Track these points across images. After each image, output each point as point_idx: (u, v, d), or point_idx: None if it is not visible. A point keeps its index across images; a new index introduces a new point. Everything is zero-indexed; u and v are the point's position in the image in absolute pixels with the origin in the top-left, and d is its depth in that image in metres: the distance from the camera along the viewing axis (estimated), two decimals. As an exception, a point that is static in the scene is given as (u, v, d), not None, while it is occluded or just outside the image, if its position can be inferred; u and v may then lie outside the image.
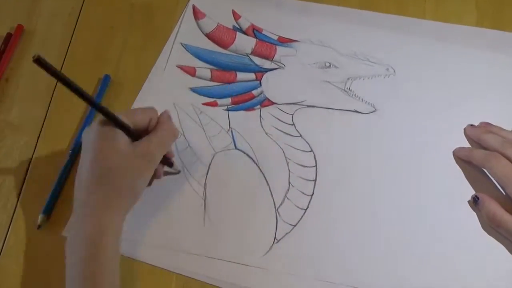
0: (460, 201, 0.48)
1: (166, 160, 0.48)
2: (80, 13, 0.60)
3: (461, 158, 0.50)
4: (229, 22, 0.58)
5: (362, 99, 0.53)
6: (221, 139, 0.52)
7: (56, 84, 0.55)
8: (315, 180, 0.49)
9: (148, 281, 0.46)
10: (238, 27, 0.57)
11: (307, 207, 0.48)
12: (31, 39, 0.58)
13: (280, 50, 0.56)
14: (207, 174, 0.50)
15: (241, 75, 0.55)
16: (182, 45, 0.57)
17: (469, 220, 0.48)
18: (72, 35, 0.59)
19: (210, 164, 0.50)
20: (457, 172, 0.50)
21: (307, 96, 0.53)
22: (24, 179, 0.50)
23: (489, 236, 0.47)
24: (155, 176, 0.47)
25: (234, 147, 0.51)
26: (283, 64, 0.55)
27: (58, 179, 0.49)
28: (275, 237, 0.47)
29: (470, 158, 0.50)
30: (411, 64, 0.55)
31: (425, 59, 0.55)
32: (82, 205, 0.41)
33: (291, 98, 0.53)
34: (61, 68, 0.56)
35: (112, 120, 0.42)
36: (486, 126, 0.51)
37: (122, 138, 0.42)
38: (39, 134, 0.53)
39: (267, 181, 0.49)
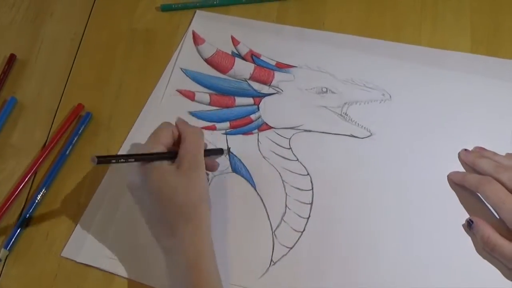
0: (455, 225, 0.59)
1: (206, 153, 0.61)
2: (82, 38, 0.76)
3: (455, 182, 0.62)
4: (228, 48, 0.73)
5: (358, 124, 0.66)
6: (219, 162, 0.65)
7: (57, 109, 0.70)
8: (311, 203, 0.62)
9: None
10: (237, 52, 0.72)
11: (304, 229, 0.60)
12: (34, 64, 0.74)
13: (278, 76, 0.70)
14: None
15: (239, 100, 0.69)
16: (182, 70, 0.72)
17: (465, 243, 0.59)
18: (74, 60, 0.74)
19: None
20: (452, 196, 0.62)
21: (304, 120, 0.67)
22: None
23: (483, 260, 0.57)
24: (212, 169, 0.63)
25: (231, 171, 0.65)
26: (280, 89, 0.69)
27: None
28: (271, 259, 0.59)
29: (463, 182, 0.62)
30: (407, 90, 0.69)
31: (421, 84, 0.69)
32: (167, 237, 0.54)
33: (288, 122, 0.67)
34: (62, 93, 0.71)
35: (148, 159, 0.55)
36: (480, 151, 0.64)
37: (163, 166, 0.55)
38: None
39: (264, 204, 0.62)
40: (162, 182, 0.54)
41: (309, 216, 0.62)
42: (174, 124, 0.60)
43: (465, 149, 0.65)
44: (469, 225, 0.60)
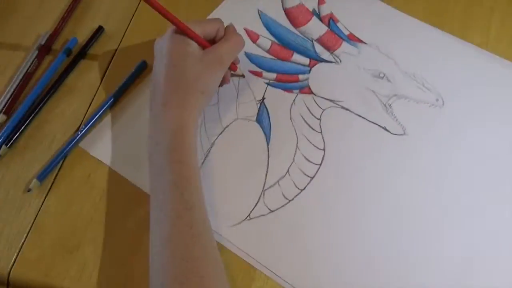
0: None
1: (232, 66, 0.66)
2: None
3: None
4: (312, 4, 0.74)
5: (397, 119, 0.64)
6: (248, 108, 0.67)
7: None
8: (312, 177, 0.62)
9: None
10: (317, 11, 0.73)
11: (292, 199, 0.61)
12: (98, 7, 0.78)
13: (344, 46, 0.70)
14: (219, 134, 0.65)
15: (296, 57, 0.70)
16: (258, 11, 0.74)
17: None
18: (136, 8, 0.77)
19: (226, 127, 0.66)
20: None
21: (346, 97, 0.66)
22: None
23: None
24: (224, 80, 0.66)
25: (255, 120, 0.67)
26: (340, 60, 0.69)
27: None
28: (249, 214, 0.60)
29: None
30: (464, 102, 0.65)
31: (481, 102, 0.65)
32: (161, 104, 0.58)
33: (330, 94, 0.67)
34: (122, 38, 0.74)
35: (183, 30, 0.59)
36: None
37: (193, 44, 0.60)
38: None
39: (268, 162, 0.63)
40: (181, 56, 0.59)
41: (304, 188, 0.61)
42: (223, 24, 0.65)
43: None
44: None
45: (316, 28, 0.72)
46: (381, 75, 0.68)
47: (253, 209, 0.61)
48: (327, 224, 0.60)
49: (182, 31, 0.59)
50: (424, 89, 0.66)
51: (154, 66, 0.62)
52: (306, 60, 0.70)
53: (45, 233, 0.61)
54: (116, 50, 0.74)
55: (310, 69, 0.69)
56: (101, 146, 0.66)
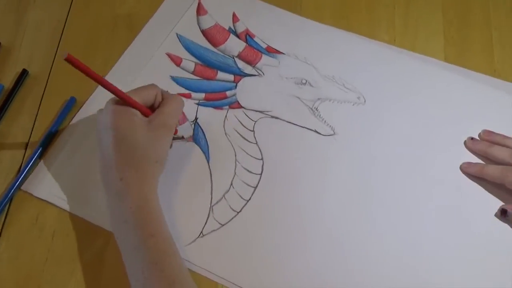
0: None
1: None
2: (65, 24, 0.81)
3: (472, 174, 0.66)
4: (227, 23, 0.78)
5: (325, 121, 0.70)
6: (184, 130, 0.70)
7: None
8: (255, 187, 0.66)
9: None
10: (233, 29, 0.77)
11: (240, 210, 0.65)
12: (18, 52, 0.79)
13: (265, 59, 0.75)
14: None
15: (221, 75, 0.74)
16: (177, 35, 0.78)
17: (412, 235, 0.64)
18: (58, 46, 0.80)
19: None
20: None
21: (274, 107, 0.71)
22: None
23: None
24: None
25: (192, 140, 0.70)
26: (262, 72, 0.74)
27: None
28: (201, 231, 0.64)
29: (482, 175, 0.66)
30: (383, 98, 0.72)
31: (399, 94, 0.72)
32: (118, 180, 0.58)
33: (258, 106, 0.72)
34: (48, 77, 0.77)
35: (125, 99, 0.60)
36: (488, 136, 0.67)
37: (137, 113, 0.61)
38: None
39: (211, 178, 0.67)
40: (128, 129, 0.60)
41: (250, 198, 0.66)
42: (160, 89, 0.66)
43: (472, 138, 0.68)
44: (502, 214, 0.64)
45: (235, 45, 0.76)
46: (303, 81, 0.73)
47: (204, 226, 0.65)
48: (277, 229, 0.65)
49: (123, 100, 0.60)
50: (345, 89, 0.72)
51: (100, 140, 0.61)
52: (230, 77, 0.74)
53: (0, 281, 0.63)
54: (44, 90, 0.76)
55: (236, 85, 0.73)
56: (44, 186, 0.68)
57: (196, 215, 0.66)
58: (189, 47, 0.77)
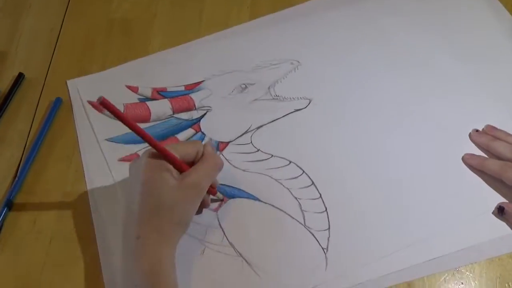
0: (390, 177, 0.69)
1: (211, 190, 0.62)
2: (60, 30, 0.83)
3: (473, 166, 0.69)
4: (133, 98, 0.73)
5: (293, 98, 0.73)
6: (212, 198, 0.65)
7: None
8: (313, 184, 0.67)
9: None
10: (143, 97, 0.72)
11: (325, 208, 0.65)
12: (14, 56, 0.81)
13: (196, 96, 0.73)
14: (224, 234, 0.63)
15: (181, 136, 0.70)
16: (108, 141, 0.70)
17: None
18: (53, 52, 0.81)
19: (219, 225, 0.64)
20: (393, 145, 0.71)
21: (249, 121, 0.71)
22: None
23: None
24: (204, 205, 0.62)
25: (228, 198, 0.65)
26: (208, 106, 0.72)
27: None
28: (322, 248, 0.62)
29: (483, 168, 0.68)
30: (306, 49, 0.78)
31: (311, 39, 0.79)
32: (136, 237, 0.55)
33: (238, 130, 0.70)
34: (44, 81, 0.77)
35: (161, 152, 0.56)
36: (492, 131, 0.71)
37: (171, 169, 0.57)
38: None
39: (278, 208, 0.65)
40: (157, 187, 0.56)
41: (320, 194, 0.66)
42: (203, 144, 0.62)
43: (476, 130, 0.72)
44: (500, 212, 0.65)
45: (161, 107, 0.72)
46: (243, 86, 0.73)
47: (319, 242, 0.63)
48: (360, 198, 0.67)
49: (160, 152, 0.57)
50: (275, 66, 0.75)
51: (129, 192, 0.60)
52: (190, 131, 0.70)
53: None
54: (40, 94, 0.77)
55: (201, 132, 0.70)
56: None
57: (303, 243, 0.63)
58: (129, 140, 0.70)
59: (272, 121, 0.71)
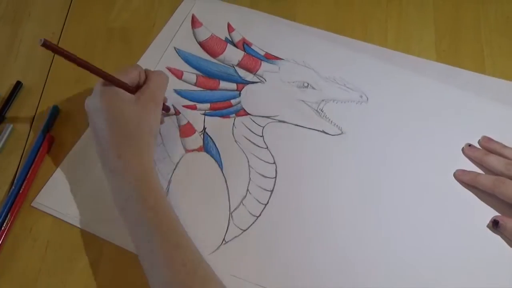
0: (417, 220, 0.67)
1: (164, 107, 0.71)
2: (60, 38, 0.85)
3: (465, 182, 0.68)
4: (223, 34, 0.81)
5: (331, 121, 0.73)
6: (193, 140, 0.73)
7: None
8: (272, 191, 0.68)
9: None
10: (230, 39, 0.80)
11: (260, 214, 0.67)
12: (14, 63, 0.82)
13: (264, 66, 0.77)
14: (173, 171, 0.70)
15: (223, 84, 0.76)
16: (175, 49, 0.80)
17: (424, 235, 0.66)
18: (52, 60, 0.83)
19: (178, 163, 0.71)
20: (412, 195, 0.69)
21: (281, 111, 0.74)
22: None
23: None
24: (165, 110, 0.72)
25: (203, 150, 0.72)
26: (264, 79, 0.76)
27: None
28: (224, 238, 0.66)
29: (475, 183, 0.67)
30: (385, 94, 0.75)
31: (399, 90, 0.76)
32: (116, 157, 0.62)
33: (265, 111, 0.74)
34: (43, 89, 0.80)
35: (111, 80, 0.63)
36: (488, 143, 0.70)
37: (123, 93, 0.65)
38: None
39: (227, 186, 0.69)
40: (118, 107, 0.63)
41: (268, 202, 0.68)
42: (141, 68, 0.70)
43: (470, 144, 0.71)
44: (495, 225, 0.66)
45: (233, 55, 0.79)
46: (305, 84, 0.76)
47: (226, 232, 0.66)
48: (296, 229, 0.67)
49: (110, 81, 0.64)
50: (347, 89, 0.75)
51: (93, 124, 0.65)
52: (233, 85, 0.76)
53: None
54: (39, 102, 0.79)
55: (240, 93, 0.76)
56: (55, 203, 0.70)
57: (216, 223, 0.67)
58: (189, 60, 0.79)
59: (296, 125, 0.73)
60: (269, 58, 0.78)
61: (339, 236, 0.66)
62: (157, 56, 0.80)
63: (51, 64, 0.82)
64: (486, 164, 0.68)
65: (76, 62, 0.60)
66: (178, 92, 0.76)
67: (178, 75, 0.77)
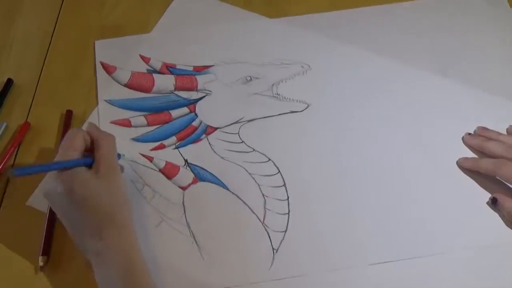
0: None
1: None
2: (52, 36, 0.85)
3: (467, 168, 0.70)
4: (142, 67, 0.77)
5: (292, 99, 0.74)
6: (183, 176, 0.68)
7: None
8: (284, 185, 0.68)
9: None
10: (152, 69, 0.76)
11: (289, 211, 0.66)
12: (7, 61, 0.82)
13: (200, 79, 0.75)
14: (184, 212, 0.66)
15: (175, 112, 0.73)
16: (107, 101, 0.74)
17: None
18: (45, 57, 0.82)
19: (183, 203, 0.66)
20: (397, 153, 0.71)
21: (244, 112, 0.73)
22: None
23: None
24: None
25: (199, 181, 0.68)
26: (209, 90, 0.74)
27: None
28: (273, 248, 0.63)
29: (477, 168, 0.69)
30: (321, 56, 0.78)
31: (330, 48, 0.79)
32: (96, 246, 0.57)
33: (229, 119, 0.72)
34: (36, 87, 0.79)
35: (60, 167, 0.58)
36: (483, 132, 0.72)
37: (82, 172, 0.59)
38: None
39: (243, 200, 0.66)
40: (84, 188, 0.58)
41: (288, 196, 0.67)
42: (84, 130, 0.63)
43: (469, 133, 0.73)
44: (493, 203, 0.67)
45: (165, 82, 0.75)
46: (248, 78, 0.75)
47: (271, 242, 0.64)
48: (325, 204, 0.67)
49: (62, 168, 0.58)
50: (285, 65, 0.76)
51: (61, 214, 0.60)
52: (185, 110, 0.73)
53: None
54: (32, 99, 0.78)
55: (195, 113, 0.73)
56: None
57: (257, 238, 0.64)
58: (127, 105, 0.74)
59: (265, 117, 0.73)
60: (200, 70, 0.76)
61: (360, 196, 0.68)
62: (94, 117, 0.73)
63: (44, 60, 0.82)
64: (487, 150, 0.70)
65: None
66: (137, 140, 0.71)
67: (127, 124, 0.72)
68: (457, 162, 0.71)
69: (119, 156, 0.66)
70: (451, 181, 0.69)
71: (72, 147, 0.60)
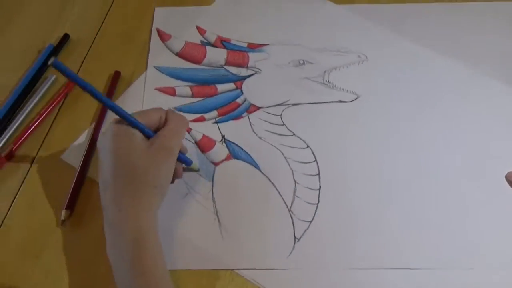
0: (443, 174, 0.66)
1: (182, 158, 0.63)
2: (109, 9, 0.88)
3: None
4: (197, 38, 0.77)
5: (343, 89, 0.72)
6: (217, 151, 0.68)
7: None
8: (318, 174, 0.65)
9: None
10: (206, 41, 0.76)
11: (318, 201, 0.64)
12: (69, 15, 0.87)
13: (253, 56, 0.74)
14: (212, 188, 0.65)
15: (221, 87, 0.72)
16: (156, 68, 0.75)
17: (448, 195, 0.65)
18: (106, 16, 0.85)
19: (213, 178, 0.66)
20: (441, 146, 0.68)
21: (290, 95, 0.71)
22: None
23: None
24: (176, 175, 0.62)
25: (232, 158, 0.68)
26: (258, 69, 0.73)
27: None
28: (295, 236, 0.61)
29: None
30: (381, 48, 0.75)
31: (393, 41, 0.76)
32: (113, 209, 0.55)
33: (275, 100, 0.71)
34: (91, 45, 0.81)
35: (126, 119, 0.56)
36: None
37: (138, 135, 0.57)
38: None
39: (273, 184, 0.65)
40: (127, 153, 0.56)
41: (320, 187, 0.65)
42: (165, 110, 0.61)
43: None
44: None
45: (217, 55, 0.75)
46: (301, 61, 0.74)
47: (294, 230, 0.62)
48: (357, 199, 0.64)
49: (125, 120, 0.56)
50: (342, 53, 0.74)
51: (100, 162, 0.57)
52: (231, 85, 0.73)
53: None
54: (84, 57, 0.80)
55: (241, 90, 0.72)
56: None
57: (280, 224, 0.63)
58: (175, 74, 0.74)
59: (311, 103, 0.71)
60: (254, 47, 0.76)
61: (396, 190, 0.65)
62: (140, 82, 0.74)
63: (103, 21, 0.85)
64: None
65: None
66: (179, 109, 0.71)
67: (171, 92, 0.72)
68: (506, 177, 0.65)
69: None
70: (502, 198, 0.64)
71: (145, 117, 0.58)
